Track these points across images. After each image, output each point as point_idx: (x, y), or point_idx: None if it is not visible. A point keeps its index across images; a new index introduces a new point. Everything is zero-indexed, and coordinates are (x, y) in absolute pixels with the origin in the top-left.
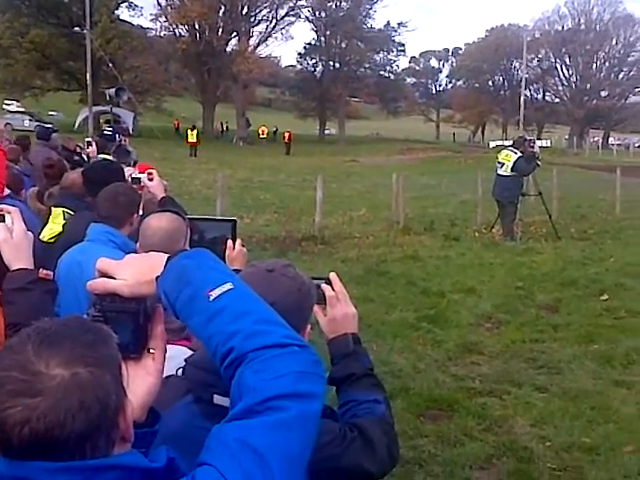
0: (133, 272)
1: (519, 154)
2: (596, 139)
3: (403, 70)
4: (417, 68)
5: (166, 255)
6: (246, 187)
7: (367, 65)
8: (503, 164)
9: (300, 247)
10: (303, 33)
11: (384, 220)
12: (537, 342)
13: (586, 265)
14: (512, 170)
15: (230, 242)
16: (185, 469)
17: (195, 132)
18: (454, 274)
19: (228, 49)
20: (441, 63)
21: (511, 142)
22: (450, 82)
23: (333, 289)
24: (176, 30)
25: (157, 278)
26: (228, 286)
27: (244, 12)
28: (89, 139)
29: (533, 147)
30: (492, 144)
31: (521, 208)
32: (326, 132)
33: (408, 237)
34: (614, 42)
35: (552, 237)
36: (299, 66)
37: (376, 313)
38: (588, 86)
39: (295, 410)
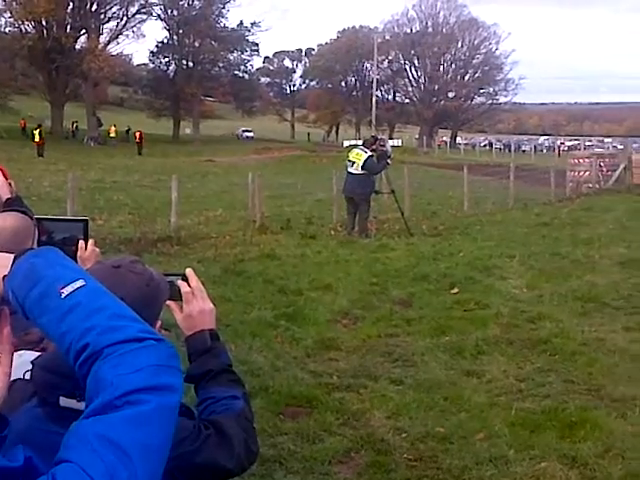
0: None
1: (369, 153)
2: (445, 139)
3: (257, 70)
4: (271, 68)
5: (12, 255)
6: (98, 188)
7: (221, 64)
8: (354, 162)
9: (156, 248)
10: (155, 31)
11: (241, 219)
12: (392, 336)
13: (437, 260)
14: (362, 168)
15: (82, 242)
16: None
17: (38, 131)
18: (311, 272)
19: (77, 46)
20: (295, 63)
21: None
22: (304, 82)
23: (189, 285)
24: (22, 26)
25: (3, 278)
26: (80, 283)
27: (93, 9)
28: None
29: (384, 146)
30: (346, 143)
31: (375, 206)
32: (186, 131)
33: (265, 236)
34: (460, 45)
35: (405, 234)
36: (152, 65)
37: (234, 313)
38: (436, 87)
39: (154, 403)
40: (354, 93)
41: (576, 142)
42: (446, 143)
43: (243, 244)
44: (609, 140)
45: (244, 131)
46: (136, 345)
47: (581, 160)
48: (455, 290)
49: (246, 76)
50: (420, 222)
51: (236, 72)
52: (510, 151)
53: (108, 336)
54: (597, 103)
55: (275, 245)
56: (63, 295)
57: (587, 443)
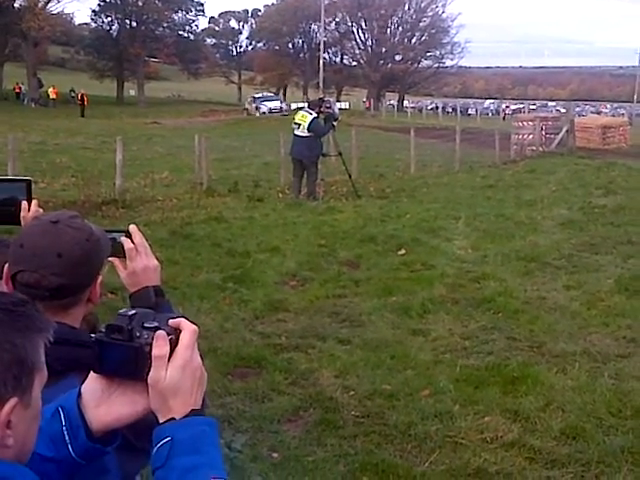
0: None
1: (314, 115)
2: (392, 102)
3: (203, 30)
4: (217, 29)
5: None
6: (40, 151)
7: (165, 24)
8: (299, 125)
9: (100, 212)
10: None
11: (187, 182)
12: (340, 297)
13: (384, 222)
14: (308, 130)
15: (25, 203)
16: None
17: None
18: (259, 234)
19: (16, 4)
20: (241, 24)
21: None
22: (250, 44)
23: (133, 242)
24: None
25: (172, 419)
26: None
27: None
28: None
29: (330, 108)
30: (293, 106)
31: (322, 168)
32: (131, 93)
33: (212, 199)
34: (407, 7)
35: (352, 196)
36: (94, 24)
37: (182, 275)
38: (383, 50)
39: None
40: (301, 55)
41: (521, 106)
42: (392, 106)
43: (190, 207)
44: (553, 104)
45: (264, 100)
46: None
47: (525, 123)
48: (402, 251)
49: (191, 37)
50: (367, 184)
51: (181, 32)
52: (456, 114)
53: None
54: (541, 67)
55: (222, 208)
56: None
57: (529, 397)
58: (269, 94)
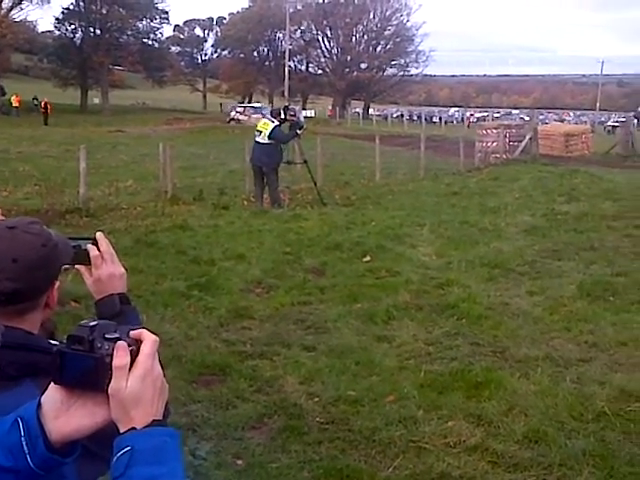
0: None
1: (276, 122)
2: (357, 109)
3: (167, 38)
4: (182, 37)
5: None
6: (3, 159)
7: (130, 32)
8: (261, 132)
9: (64, 220)
10: None
11: (152, 190)
12: (305, 304)
13: (350, 229)
14: (269, 138)
15: None
16: None
17: None
18: (224, 242)
19: None
20: (206, 32)
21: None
22: (216, 52)
23: (99, 249)
24: None
25: (132, 429)
26: None
27: None
28: None
29: (294, 115)
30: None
31: (288, 176)
32: (95, 101)
33: (177, 207)
34: (372, 16)
35: (318, 204)
36: (57, 32)
37: (146, 284)
38: (348, 58)
39: None
40: (267, 63)
41: (485, 114)
42: (358, 114)
43: (155, 215)
44: (517, 112)
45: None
46: None
47: (489, 131)
48: (367, 258)
49: (156, 45)
50: (333, 192)
51: (145, 40)
52: (421, 122)
53: None
54: (505, 75)
55: (187, 216)
56: None
57: (492, 402)
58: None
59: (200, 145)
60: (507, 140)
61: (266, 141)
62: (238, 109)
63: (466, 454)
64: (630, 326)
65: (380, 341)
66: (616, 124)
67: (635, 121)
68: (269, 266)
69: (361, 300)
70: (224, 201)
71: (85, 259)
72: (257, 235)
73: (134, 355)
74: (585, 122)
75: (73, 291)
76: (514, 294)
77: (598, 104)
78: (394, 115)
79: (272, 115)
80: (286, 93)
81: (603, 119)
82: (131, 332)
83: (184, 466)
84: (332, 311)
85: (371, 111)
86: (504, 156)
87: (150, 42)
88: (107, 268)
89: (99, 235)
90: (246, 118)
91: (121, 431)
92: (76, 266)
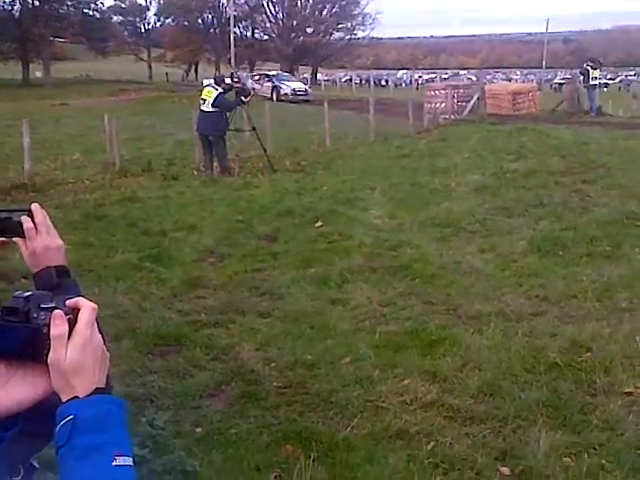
0: None
1: (220, 90)
2: (305, 75)
3: (109, 8)
4: (123, 6)
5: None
6: None
7: (69, 3)
8: (205, 100)
9: (10, 197)
10: None
11: (99, 163)
12: (259, 271)
13: (301, 195)
14: (213, 106)
15: None
16: None
17: None
18: (175, 212)
19: None
20: (148, 0)
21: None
22: (159, 20)
23: (34, 221)
24: None
25: (75, 398)
26: (130, 461)
27: None
28: None
29: (238, 82)
30: (205, 82)
31: (237, 144)
32: (37, 75)
33: (125, 179)
34: None
35: (268, 171)
36: None
37: (97, 257)
38: (294, 23)
39: None
40: (212, 30)
41: (433, 75)
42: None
43: (103, 188)
44: (464, 72)
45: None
46: None
47: (437, 92)
48: (319, 223)
49: (97, 15)
50: (283, 159)
51: (86, 11)
52: (370, 86)
53: None
54: (452, 36)
55: (136, 188)
56: (114, 463)
57: (446, 359)
58: (284, 73)
59: (147, 115)
60: (455, 101)
61: (210, 109)
62: (255, 77)
63: (422, 410)
64: (579, 279)
65: (335, 304)
66: (562, 81)
67: (581, 78)
68: (221, 235)
69: (314, 265)
70: (173, 171)
71: (18, 231)
72: (208, 204)
73: (72, 324)
74: (532, 80)
75: (22, 268)
76: (466, 252)
77: (544, 62)
78: (343, 80)
79: (216, 82)
80: (232, 61)
81: (550, 77)
82: (68, 301)
83: (130, 433)
84: (286, 277)
85: (319, 76)
86: (453, 117)
87: (91, 12)
88: (42, 240)
89: (34, 206)
90: (259, 87)
91: (63, 401)
92: (14, 239)
